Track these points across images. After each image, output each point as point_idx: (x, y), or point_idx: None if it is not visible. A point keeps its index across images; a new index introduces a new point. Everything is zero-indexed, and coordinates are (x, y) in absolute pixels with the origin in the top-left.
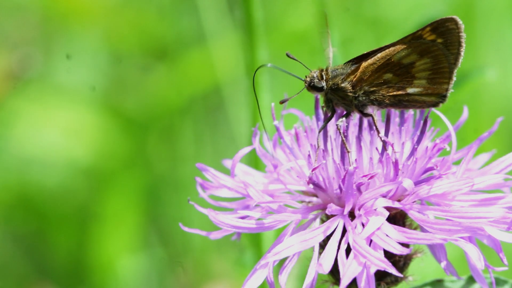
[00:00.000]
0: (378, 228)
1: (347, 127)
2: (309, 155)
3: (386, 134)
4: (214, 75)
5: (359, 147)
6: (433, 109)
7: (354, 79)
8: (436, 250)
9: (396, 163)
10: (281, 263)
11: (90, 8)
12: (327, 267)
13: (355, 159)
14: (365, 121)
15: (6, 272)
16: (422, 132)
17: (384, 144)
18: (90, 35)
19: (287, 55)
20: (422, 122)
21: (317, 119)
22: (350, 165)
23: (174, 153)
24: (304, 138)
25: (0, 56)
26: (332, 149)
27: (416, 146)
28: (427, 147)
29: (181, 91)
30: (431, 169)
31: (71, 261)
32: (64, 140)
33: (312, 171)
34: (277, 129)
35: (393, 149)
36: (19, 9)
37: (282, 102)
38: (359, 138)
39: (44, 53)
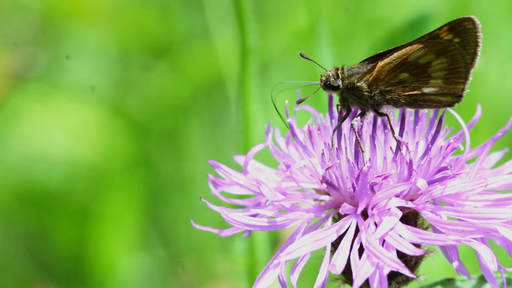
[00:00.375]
0: (392, 228)
1: (361, 126)
2: (322, 153)
3: (401, 133)
4: (218, 72)
5: (373, 146)
6: (448, 109)
7: (370, 78)
8: (448, 250)
9: (410, 163)
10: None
11: (92, 7)
12: (340, 267)
13: (369, 158)
14: (379, 119)
15: (7, 271)
16: (437, 132)
17: (398, 143)
18: (93, 34)
19: (301, 55)
20: (436, 121)
21: (331, 117)
22: (364, 165)
23: (176, 153)
24: (318, 136)
25: (2, 55)
26: (346, 148)
27: (430, 146)
28: (441, 146)
29: (183, 90)
30: (445, 168)
31: (72, 261)
32: (66, 139)
33: (326, 170)
34: (291, 126)
35: (407, 148)
36: (21, 9)
37: (298, 102)
38: (373, 137)
39: (46, 52)
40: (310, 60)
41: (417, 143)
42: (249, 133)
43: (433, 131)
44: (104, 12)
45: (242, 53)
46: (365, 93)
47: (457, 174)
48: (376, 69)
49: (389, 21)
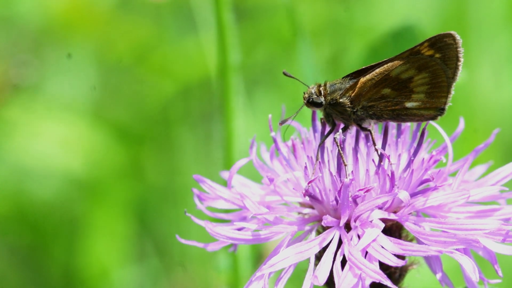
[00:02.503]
0: (374, 240)
1: (344, 140)
2: (305, 167)
3: (383, 146)
4: (208, 80)
5: (356, 159)
6: (431, 122)
7: (353, 94)
8: (432, 262)
9: (392, 176)
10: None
11: (84, 19)
12: (322, 279)
13: (352, 171)
14: (362, 132)
15: (1, 283)
16: (419, 144)
17: (380, 156)
18: (85, 45)
19: (284, 74)
20: (419, 134)
21: (314, 131)
22: (346, 177)
23: (169, 164)
24: (301, 149)
25: None
26: (328, 161)
27: (412, 158)
28: (423, 158)
29: (174, 100)
30: (427, 180)
31: (66, 272)
32: (59, 151)
33: (308, 183)
34: (274, 140)
35: (389, 161)
36: (13, 20)
37: (281, 123)
38: (355, 150)
39: (38, 64)
40: (293, 78)
41: (400, 155)
42: (230, 149)
43: (415, 144)
44: (96, 24)
45: (223, 69)
46: (348, 108)
47: (439, 186)
48: (359, 85)
49: (381, 30)
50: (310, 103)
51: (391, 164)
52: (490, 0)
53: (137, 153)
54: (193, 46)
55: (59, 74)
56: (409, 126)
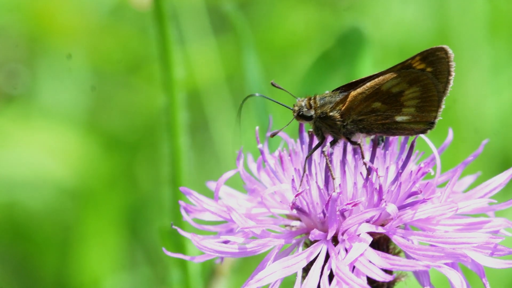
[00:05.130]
0: (361, 254)
1: (332, 153)
2: (293, 179)
3: (372, 158)
4: (197, 92)
5: (343, 172)
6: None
7: (343, 108)
8: (420, 275)
9: (380, 189)
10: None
11: (73, 28)
12: None
13: (339, 184)
14: (350, 145)
15: None
16: (408, 157)
17: (368, 169)
18: (74, 54)
19: (272, 85)
20: (407, 146)
21: (302, 142)
22: (334, 191)
23: (160, 172)
24: (288, 161)
25: None
26: (316, 173)
27: (400, 171)
28: (411, 171)
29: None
30: (415, 193)
31: (58, 281)
32: (50, 161)
33: (296, 196)
34: (261, 152)
35: (377, 174)
36: (3, 31)
37: (272, 135)
38: (343, 162)
39: (28, 73)
40: (282, 89)
41: (387, 168)
42: (177, 166)
43: (403, 156)
44: (86, 33)
45: (167, 84)
46: (338, 122)
47: (427, 199)
48: (349, 98)
49: (374, 40)
50: (300, 116)
51: (379, 177)
52: (472, 13)
53: (129, 162)
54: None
55: (51, 84)
56: (397, 138)
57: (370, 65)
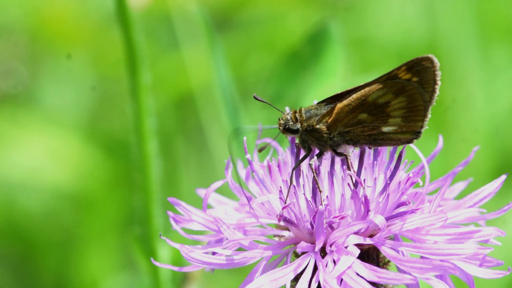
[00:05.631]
0: (349, 267)
1: (319, 165)
2: (280, 190)
3: (359, 169)
4: (193, 97)
5: (331, 183)
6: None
7: (330, 120)
8: (409, 285)
9: (366, 201)
10: None
11: (75, 31)
12: None
13: (327, 196)
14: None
15: None
16: (396, 167)
17: (355, 180)
18: (76, 56)
19: (255, 98)
20: (396, 155)
21: (291, 152)
22: (321, 203)
23: (162, 174)
24: (277, 172)
25: None
26: (304, 185)
27: (388, 182)
28: (400, 181)
29: (166, 112)
30: (404, 203)
31: (57, 283)
32: (49, 163)
33: (282, 209)
34: (249, 162)
35: (364, 185)
36: (4, 31)
37: (260, 150)
38: (331, 173)
39: (29, 74)
40: (265, 102)
41: (376, 178)
42: (147, 172)
43: (392, 166)
44: (88, 36)
45: (134, 90)
46: (325, 135)
47: (416, 209)
48: (335, 110)
49: (374, 41)
50: (287, 130)
51: (366, 188)
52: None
53: (129, 164)
54: (179, 60)
55: (50, 85)
56: (386, 147)
57: (341, 63)
